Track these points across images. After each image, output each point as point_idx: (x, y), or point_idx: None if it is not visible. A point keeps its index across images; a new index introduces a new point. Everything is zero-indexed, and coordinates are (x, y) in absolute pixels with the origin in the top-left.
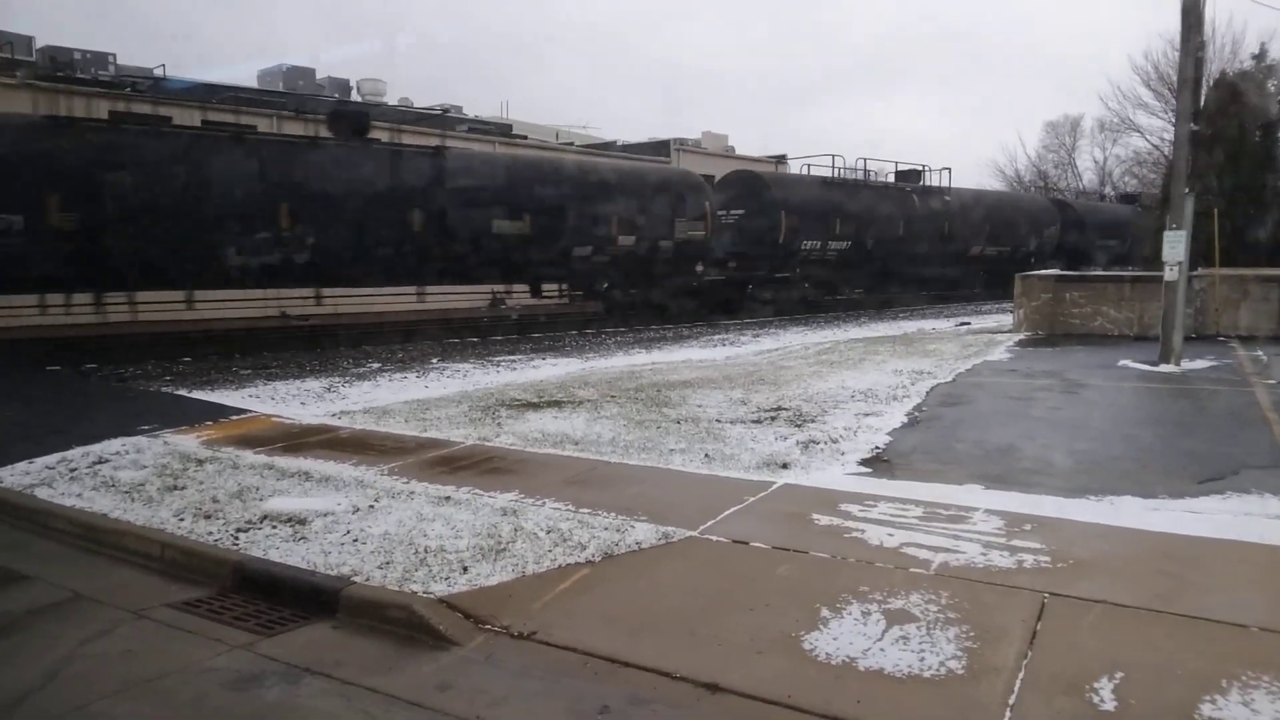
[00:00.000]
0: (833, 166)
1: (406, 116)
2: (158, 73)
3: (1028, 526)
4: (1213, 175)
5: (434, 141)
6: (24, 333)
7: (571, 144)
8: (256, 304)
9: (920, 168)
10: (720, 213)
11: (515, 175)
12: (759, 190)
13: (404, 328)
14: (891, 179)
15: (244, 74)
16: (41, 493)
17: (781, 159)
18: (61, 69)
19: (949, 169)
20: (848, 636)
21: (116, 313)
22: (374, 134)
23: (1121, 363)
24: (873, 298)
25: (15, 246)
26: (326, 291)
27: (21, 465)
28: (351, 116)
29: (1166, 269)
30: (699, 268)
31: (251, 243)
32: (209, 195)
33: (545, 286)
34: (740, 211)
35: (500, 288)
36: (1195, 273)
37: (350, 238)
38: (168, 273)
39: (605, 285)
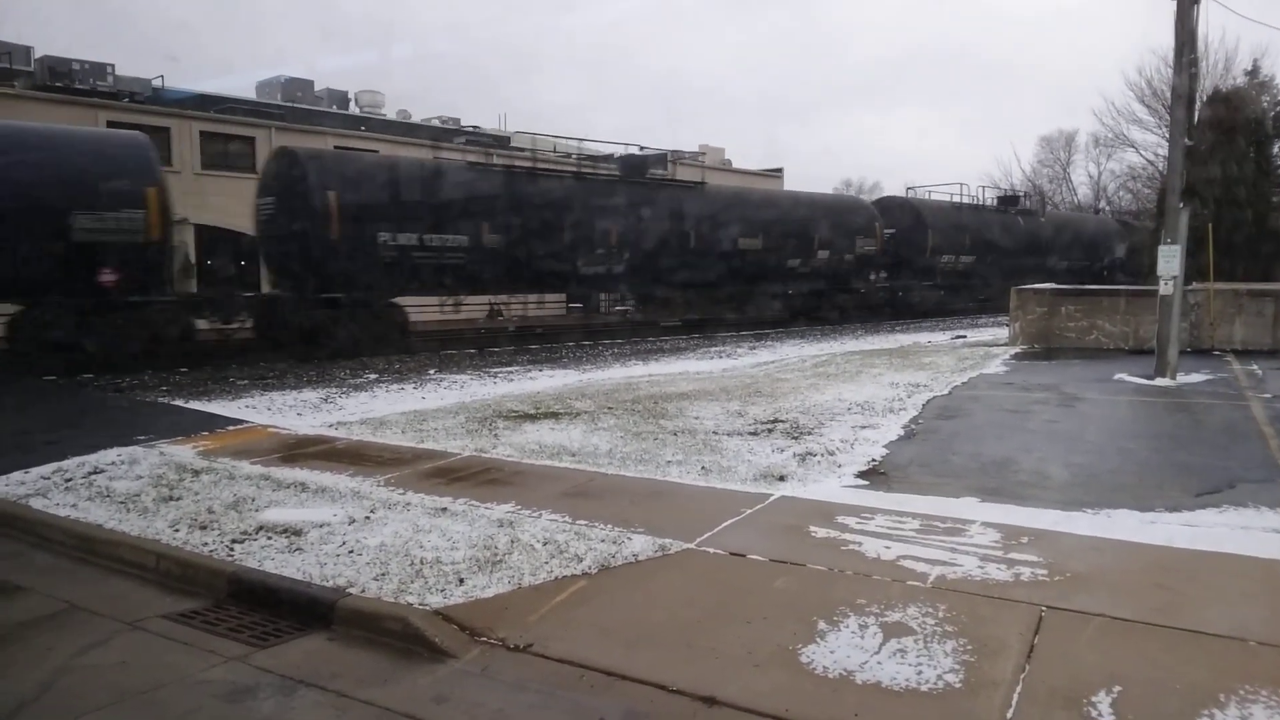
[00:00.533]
0: (961, 193)
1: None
2: (155, 84)
3: (1024, 539)
4: (1208, 190)
5: (696, 177)
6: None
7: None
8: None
9: (1017, 193)
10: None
11: (748, 203)
12: (910, 211)
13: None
14: (994, 203)
15: (242, 85)
16: (36, 503)
17: (778, 172)
18: (60, 79)
19: (1041, 195)
20: (845, 649)
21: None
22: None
23: (1117, 376)
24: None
25: (463, 259)
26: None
27: (16, 475)
28: (636, 163)
29: (1161, 283)
30: (871, 276)
31: (592, 257)
32: (568, 223)
33: (773, 289)
34: (892, 230)
35: (743, 288)
36: (1190, 287)
37: (652, 253)
38: (547, 280)
39: (806, 290)
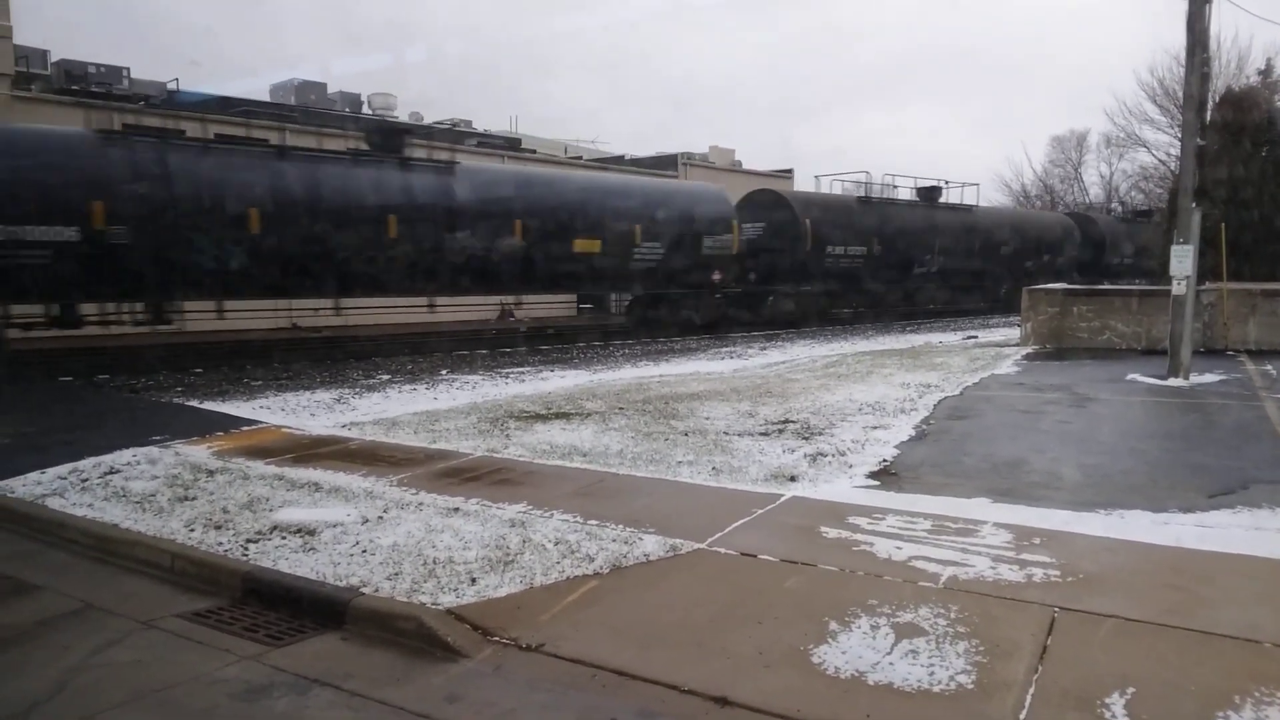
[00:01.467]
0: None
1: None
2: (171, 87)
3: (1037, 540)
4: (1217, 191)
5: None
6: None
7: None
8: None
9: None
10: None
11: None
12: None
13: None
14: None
15: (257, 88)
16: (53, 503)
17: (788, 173)
18: (76, 82)
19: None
20: (857, 650)
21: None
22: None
23: (1130, 376)
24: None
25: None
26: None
27: (33, 475)
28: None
29: (1174, 283)
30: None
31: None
32: None
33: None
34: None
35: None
36: (1203, 287)
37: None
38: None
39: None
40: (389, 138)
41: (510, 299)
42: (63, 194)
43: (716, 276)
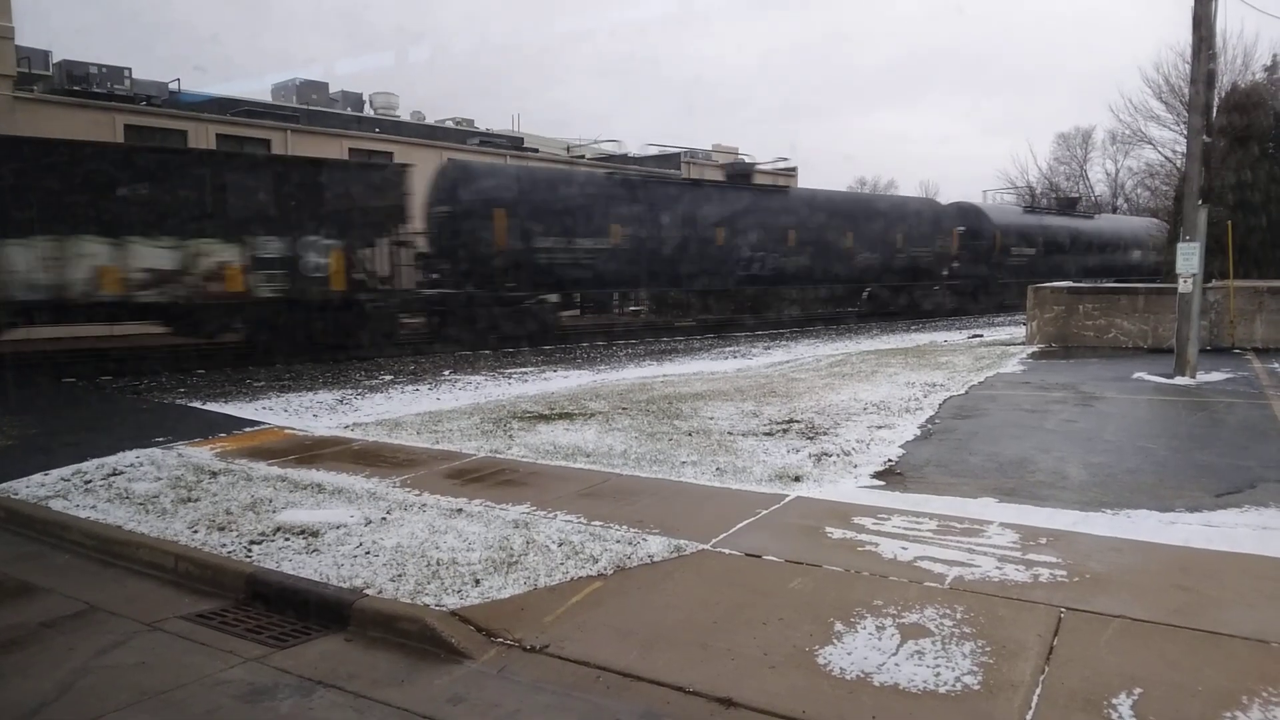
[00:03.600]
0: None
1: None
2: (172, 87)
3: (1043, 540)
4: (1227, 187)
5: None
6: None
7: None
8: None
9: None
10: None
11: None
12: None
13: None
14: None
15: (258, 88)
16: (56, 504)
17: (792, 172)
18: (78, 83)
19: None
20: (862, 651)
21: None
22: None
23: (1136, 375)
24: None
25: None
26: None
27: (37, 476)
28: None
29: (1180, 281)
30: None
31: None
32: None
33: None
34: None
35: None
36: (1210, 284)
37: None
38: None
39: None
40: (743, 173)
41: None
42: (601, 218)
43: (946, 272)
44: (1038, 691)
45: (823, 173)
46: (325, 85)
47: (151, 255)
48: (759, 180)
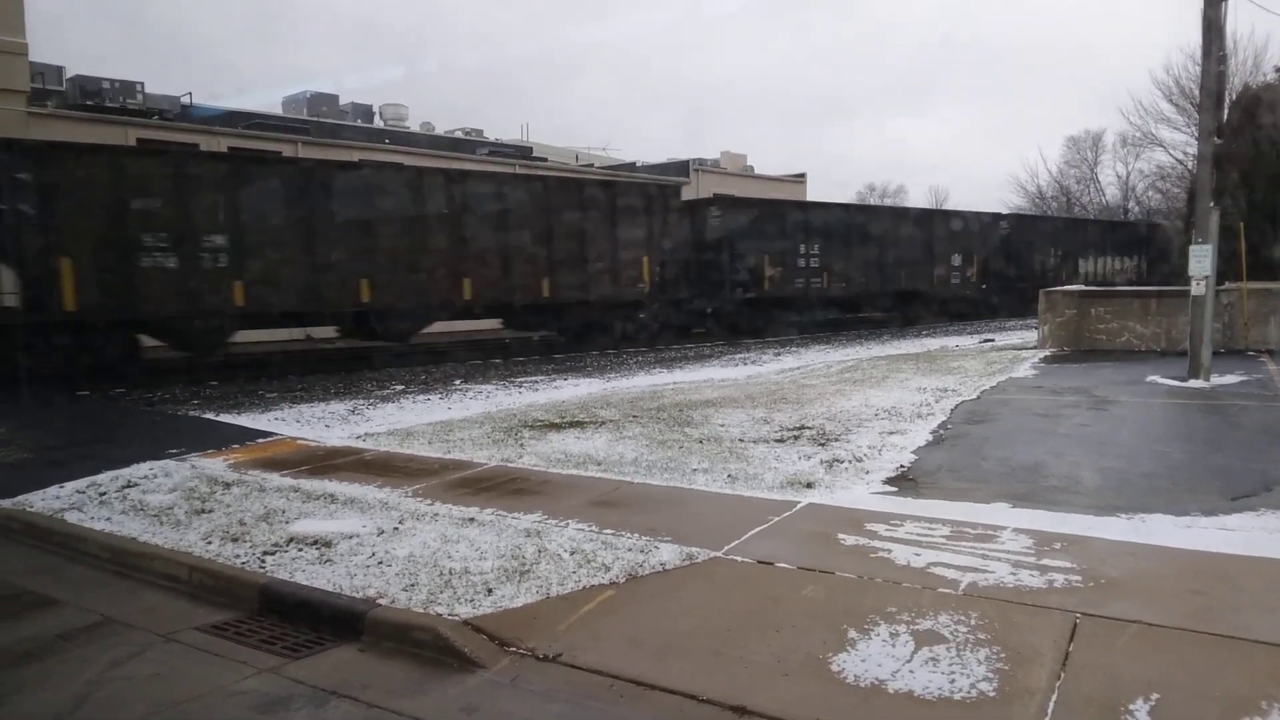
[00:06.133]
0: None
1: None
2: (184, 101)
3: (1057, 545)
4: (1239, 189)
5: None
6: None
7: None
8: None
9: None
10: None
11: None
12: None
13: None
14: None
15: (269, 101)
16: (71, 517)
17: (801, 178)
18: (91, 98)
19: None
20: (876, 658)
21: None
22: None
23: (1149, 378)
24: None
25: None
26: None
27: (53, 489)
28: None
29: (1193, 283)
30: None
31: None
32: None
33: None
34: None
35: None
36: (1223, 287)
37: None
38: None
39: None
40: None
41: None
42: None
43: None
44: (1054, 698)
45: (832, 179)
46: (335, 97)
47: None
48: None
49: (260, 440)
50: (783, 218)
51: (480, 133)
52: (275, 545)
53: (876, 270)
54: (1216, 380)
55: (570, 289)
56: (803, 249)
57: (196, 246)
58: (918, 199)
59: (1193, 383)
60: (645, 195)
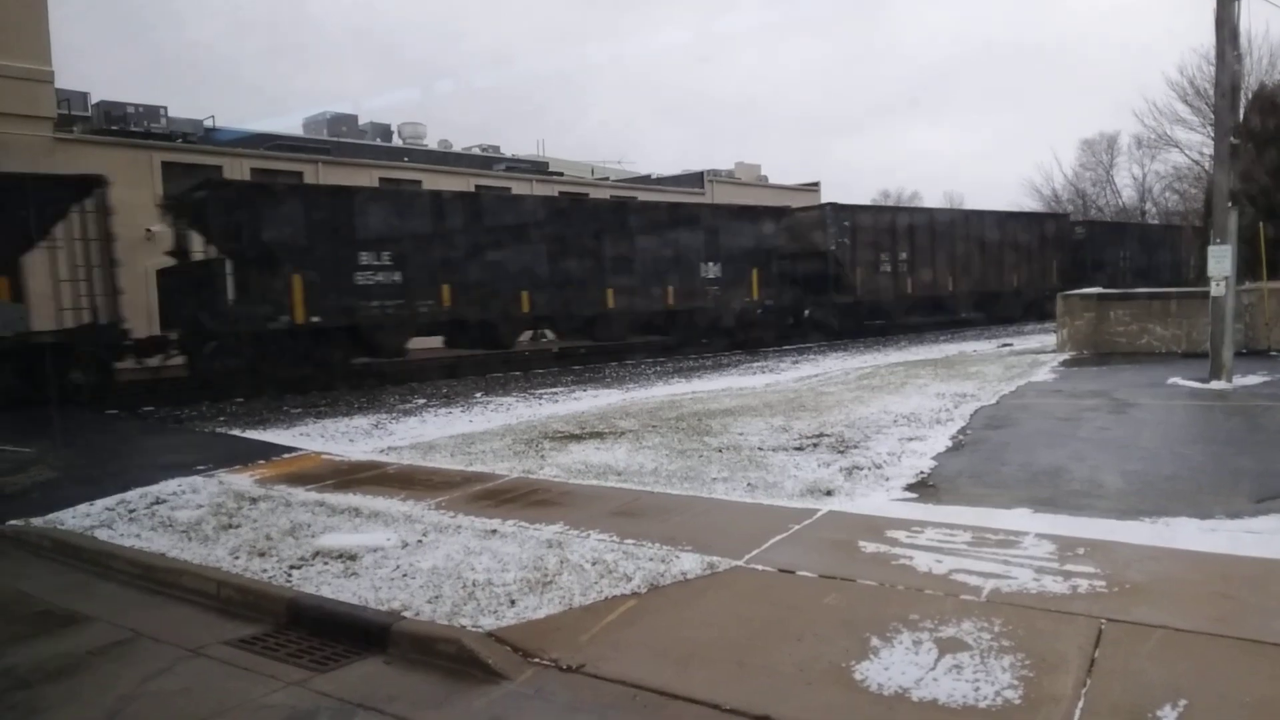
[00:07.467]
0: None
1: None
2: (207, 124)
3: (1080, 550)
4: (1259, 200)
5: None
6: None
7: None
8: None
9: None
10: None
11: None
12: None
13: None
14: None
15: (290, 123)
16: (101, 534)
17: (815, 186)
18: (116, 122)
19: None
20: (899, 666)
21: None
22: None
23: (1170, 380)
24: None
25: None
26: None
27: (83, 507)
28: None
29: (1213, 284)
30: None
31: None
32: None
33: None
34: None
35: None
36: (1243, 287)
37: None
38: None
39: None
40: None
41: None
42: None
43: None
44: (1080, 705)
45: (845, 187)
46: (354, 117)
47: None
48: None
49: (286, 455)
50: (892, 223)
51: (497, 149)
52: (301, 559)
53: (964, 272)
54: (1239, 381)
55: (689, 297)
56: (893, 255)
57: None
58: (932, 204)
59: (1214, 384)
60: (753, 214)
